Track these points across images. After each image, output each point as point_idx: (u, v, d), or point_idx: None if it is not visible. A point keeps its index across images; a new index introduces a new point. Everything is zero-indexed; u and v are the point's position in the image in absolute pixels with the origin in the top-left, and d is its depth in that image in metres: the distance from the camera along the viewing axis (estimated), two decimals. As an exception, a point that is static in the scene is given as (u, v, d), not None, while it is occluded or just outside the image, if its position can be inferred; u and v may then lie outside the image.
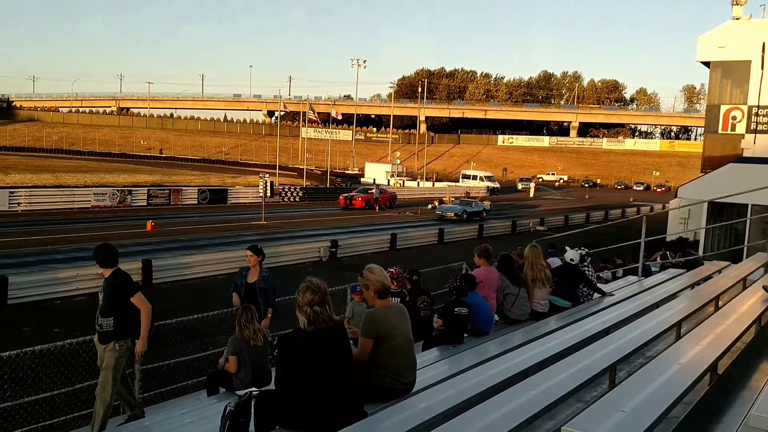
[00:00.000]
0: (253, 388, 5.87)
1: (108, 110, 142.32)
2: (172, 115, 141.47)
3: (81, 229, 27.95)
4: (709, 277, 9.70)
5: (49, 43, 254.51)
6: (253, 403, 4.48)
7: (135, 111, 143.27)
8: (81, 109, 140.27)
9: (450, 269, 13.79)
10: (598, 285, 9.39)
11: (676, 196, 24.21)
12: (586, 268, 9.04)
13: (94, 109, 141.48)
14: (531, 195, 70.62)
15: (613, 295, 8.79)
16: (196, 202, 42.93)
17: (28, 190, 37.24)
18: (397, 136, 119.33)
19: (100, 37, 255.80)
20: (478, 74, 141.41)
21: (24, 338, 11.78)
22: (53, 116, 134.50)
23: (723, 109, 24.89)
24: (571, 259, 8.55)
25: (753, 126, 23.88)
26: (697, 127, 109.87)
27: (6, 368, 8.10)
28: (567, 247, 8.97)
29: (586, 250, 9.38)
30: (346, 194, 47.44)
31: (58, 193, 38.04)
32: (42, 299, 15.71)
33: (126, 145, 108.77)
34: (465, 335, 7.12)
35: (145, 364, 9.09)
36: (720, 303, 7.50)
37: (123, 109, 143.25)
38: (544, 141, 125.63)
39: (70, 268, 17.68)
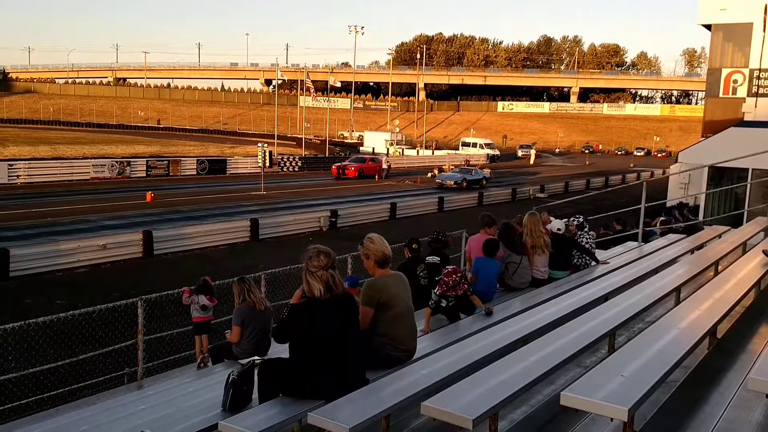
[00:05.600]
0: (256, 357, 5.91)
1: (104, 81, 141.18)
2: (169, 85, 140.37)
3: (81, 200, 27.95)
4: (708, 242, 9.71)
5: (44, 14, 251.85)
6: (256, 372, 4.52)
7: (132, 81, 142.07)
8: (77, 80, 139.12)
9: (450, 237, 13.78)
10: (596, 251, 9.39)
11: (676, 161, 24.15)
12: (583, 235, 9.03)
13: (90, 80, 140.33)
14: (531, 162, 70.45)
15: (608, 263, 8.78)
16: (195, 173, 42.82)
17: (26, 162, 37.11)
18: (395, 104, 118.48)
19: (95, 6, 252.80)
20: (477, 39, 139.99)
21: (27, 310, 11.85)
22: (50, 87, 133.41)
23: (724, 72, 24.63)
24: (558, 229, 8.53)
25: (754, 89, 23.66)
26: (698, 91, 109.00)
27: (10, 340, 8.16)
28: (551, 218, 8.91)
29: (582, 218, 9.35)
30: (339, 164, 46.82)
31: (57, 165, 37.92)
32: (43, 271, 15.78)
33: (123, 116, 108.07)
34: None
35: (148, 334, 9.17)
36: (720, 268, 7.53)
37: (119, 79, 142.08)
38: (544, 107, 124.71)
39: (70, 240, 17.74)
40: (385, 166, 47.60)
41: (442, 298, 6.04)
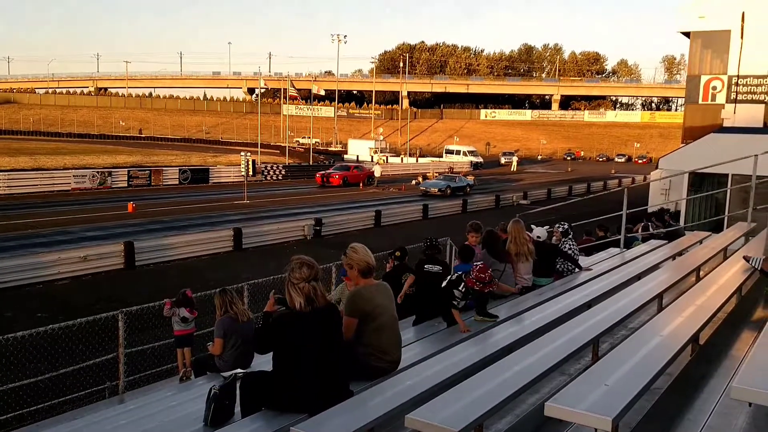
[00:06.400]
0: (238, 370, 5.85)
1: (85, 91, 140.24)
2: (150, 94, 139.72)
3: (61, 212, 27.66)
4: (690, 248, 9.77)
5: (24, 23, 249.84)
6: (238, 385, 4.47)
7: (113, 91, 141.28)
8: (58, 90, 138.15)
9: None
10: (579, 257, 9.43)
11: (657, 168, 24.36)
12: (566, 242, 9.06)
13: (71, 90, 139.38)
14: (513, 169, 70.77)
15: (590, 269, 8.81)
16: (177, 183, 42.56)
17: (6, 173, 36.70)
18: (379, 112, 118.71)
19: (75, 16, 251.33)
20: (459, 48, 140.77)
21: (7, 324, 11.67)
22: (30, 98, 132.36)
23: (703, 79, 24.96)
24: (538, 237, 8.53)
25: (733, 96, 23.98)
26: (678, 97, 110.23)
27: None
28: (533, 225, 8.93)
29: (567, 225, 9.39)
30: (323, 172, 46.90)
31: (38, 176, 37.56)
32: (24, 284, 15.57)
33: (105, 126, 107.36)
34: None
35: (130, 347, 9.06)
36: (701, 273, 7.57)
37: (101, 89, 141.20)
38: (527, 114, 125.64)
39: (51, 251, 17.52)
40: (378, 174, 47.80)
41: (462, 299, 6.02)
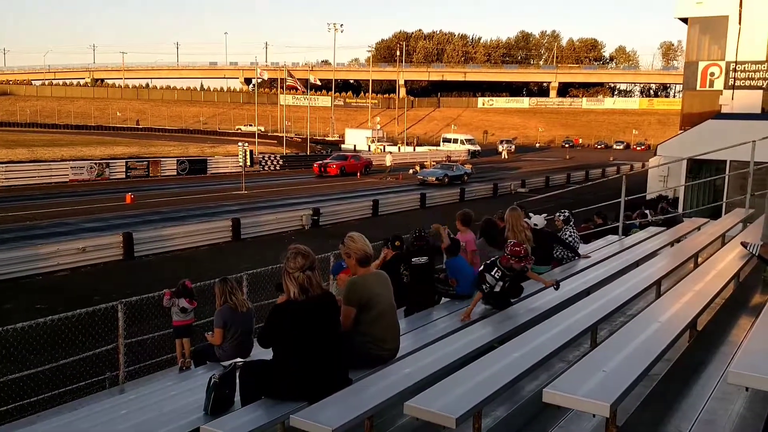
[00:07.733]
0: (238, 359, 5.87)
1: (82, 82, 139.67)
2: (147, 85, 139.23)
3: (59, 203, 27.63)
4: (688, 235, 9.78)
5: (19, 14, 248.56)
6: (238, 374, 4.49)
7: (110, 82, 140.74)
8: (54, 82, 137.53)
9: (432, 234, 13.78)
10: (579, 245, 9.42)
11: (655, 154, 24.37)
12: (566, 229, 9.06)
13: (67, 81, 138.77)
14: (504, 157, 70.52)
15: (589, 257, 8.81)
16: (175, 173, 42.47)
17: (4, 165, 36.59)
18: (376, 101, 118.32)
19: (70, 6, 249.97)
20: (456, 35, 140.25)
21: (6, 315, 11.69)
22: (26, 89, 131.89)
23: (701, 65, 24.92)
24: (535, 224, 8.51)
25: (731, 82, 23.94)
26: (676, 84, 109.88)
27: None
28: (531, 213, 8.91)
29: (568, 213, 9.38)
30: (321, 162, 46.81)
31: (35, 167, 37.48)
32: (23, 276, 15.58)
33: (102, 117, 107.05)
34: (442, 297, 7.12)
35: (129, 338, 9.08)
36: (699, 260, 7.59)
37: (97, 80, 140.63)
38: (524, 102, 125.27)
39: (49, 243, 17.53)
40: (389, 163, 47.76)
41: (499, 280, 5.72)
